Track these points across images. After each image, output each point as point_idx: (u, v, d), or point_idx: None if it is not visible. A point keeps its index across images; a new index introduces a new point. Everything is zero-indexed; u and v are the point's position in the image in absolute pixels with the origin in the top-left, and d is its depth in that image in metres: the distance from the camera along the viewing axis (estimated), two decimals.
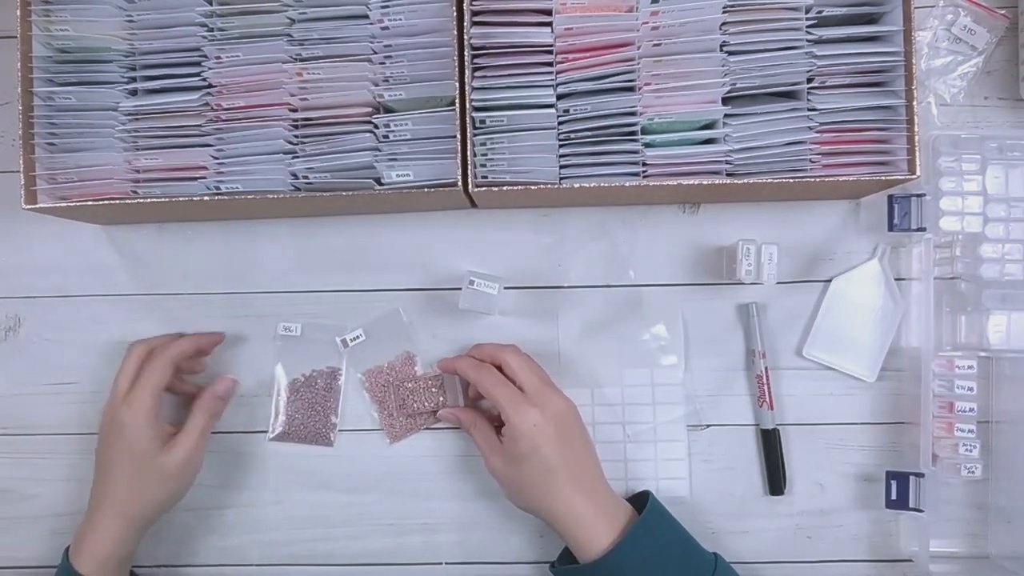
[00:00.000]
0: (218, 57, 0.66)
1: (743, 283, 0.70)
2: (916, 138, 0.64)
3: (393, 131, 0.66)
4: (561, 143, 0.66)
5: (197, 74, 0.66)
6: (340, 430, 0.75)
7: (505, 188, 0.65)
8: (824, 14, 0.64)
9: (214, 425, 0.70)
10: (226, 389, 0.71)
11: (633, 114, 0.65)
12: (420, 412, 0.73)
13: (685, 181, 0.65)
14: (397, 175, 0.66)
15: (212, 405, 0.69)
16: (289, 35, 0.66)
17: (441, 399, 0.74)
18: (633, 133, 0.65)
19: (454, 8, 0.64)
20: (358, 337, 0.71)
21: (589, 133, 0.65)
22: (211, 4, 0.66)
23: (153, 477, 0.65)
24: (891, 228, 0.68)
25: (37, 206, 0.67)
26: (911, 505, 0.69)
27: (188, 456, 0.66)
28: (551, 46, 0.65)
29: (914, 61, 0.64)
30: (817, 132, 0.65)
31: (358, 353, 0.74)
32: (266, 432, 0.75)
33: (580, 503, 0.63)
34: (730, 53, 0.64)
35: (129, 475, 0.64)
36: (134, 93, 0.68)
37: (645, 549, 0.62)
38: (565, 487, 0.63)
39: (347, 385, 0.75)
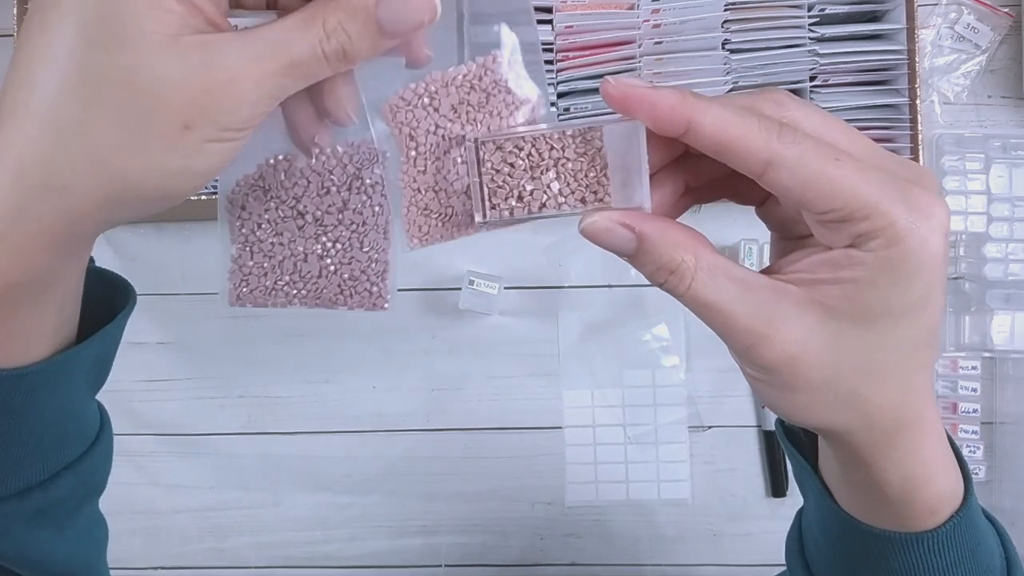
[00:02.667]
0: None
1: None
2: (920, 137, 0.64)
3: None
4: None
5: None
6: (342, 431, 0.75)
7: None
8: (827, 12, 0.64)
9: (320, 74, 0.27)
10: (401, 9, 0.26)
11: None
12: (522, 194, 0.30)
13: None
14: None
15: (344, 21, 0.26)
16: None
17: (590, 183, 0.29)
18: None
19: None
20: None
21: None
22: None
23: (118, 85, 0.24)
24: None
25: None
26: None
27: (222, 86, 0.25)
28: (551, 44, 0.64)
29: (917, 59, 0.64)
30: None
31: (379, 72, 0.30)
32: (269, 434, 0.75)
33: (933, 414, 0.31)
34: (732, 51, 0.64)
35: (62, 56, 0.24)
36: None
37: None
38: (928, 377, 0.30)
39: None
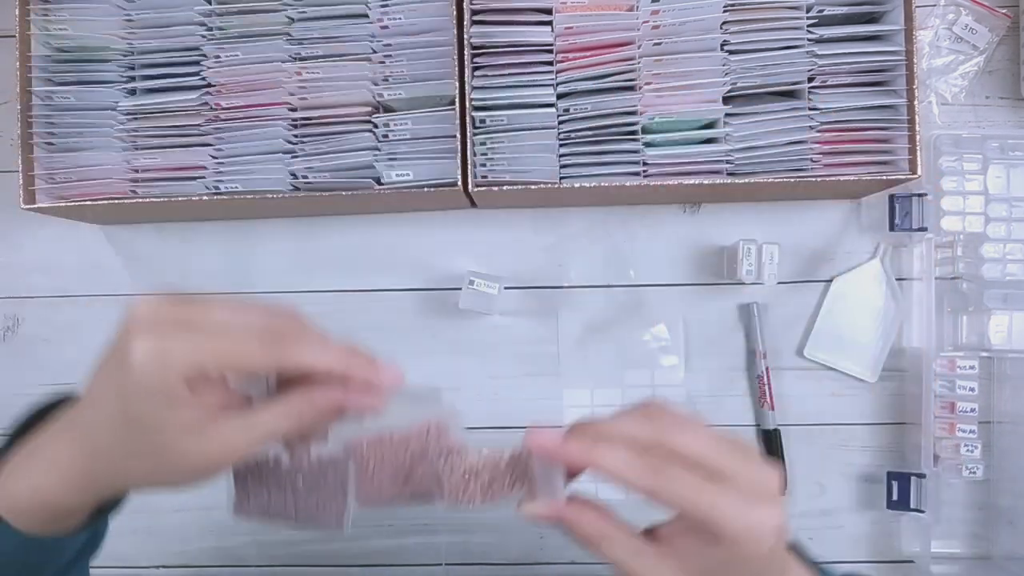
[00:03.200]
0: (217, 56, 0.66)
1: (744, 283, 0.70)
2: (917, 137, 0.64)
3: (393, 130, 0.66)
4: (561, 143, 0.65)
5: (196, 73, 0.66)
6: None
7: (505, 188, 0.64)
8: (825, 13, 0.64)
9: (287, 432, 0.39)
10: (356, 405, 0.40)
11: (633, 113, 0.65)
12: (470, 488, 0.44)
13: (686, 181, 0.65)
14: (397, 175, 0.65)
15: (312, 411, 0.39)
16: (288, 34, 0.66)
17: (514, 487, 0.44)
18: (633, 133, 0.65)
19: (454, 7, 0.64)
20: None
21: (589, 132, 0.65)
22: (210, 3, 0.66)
23: (148, 453, 0.37)
24: (892, 228, 0.68)
25: (36, 206, 0.66)
26: (912, 506, 0.69)
27: (219, 454, 0.37)
28: (551, 45, 0.64)
29: (915, 60, 0.64)
30: (818, 131, 0.65)
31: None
32: None
33: None
34: (731, 52, 0.64)
35: (112, 431, 0.37)
36: (133, 92, 0.67)
37: None
38: None
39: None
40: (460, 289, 0.70)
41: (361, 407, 0.40)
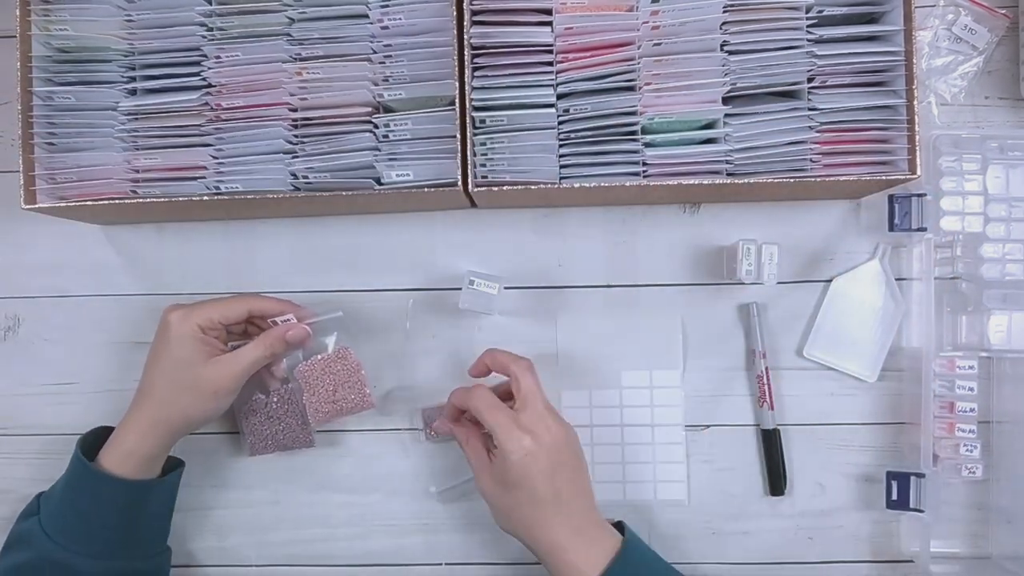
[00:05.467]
0: (218, 57, 0.66)
1: (743, 283, 0.70)
2: (917, 138, 0.64)
3: (393, 131, 0.66)
4: (561, 143, 0.65)
5: (197, 74, 0.66)
6: (343, 430, 0.75)
7: (505, 188, 0.65)
8: (824, 13, 0.64)
9: (267, 362, 0.67)
10: (295, 335, 0.67)
11: (633, 114, 0.65)
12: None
13: (685, 181, 0.65)
14: (397, 175, 0.66)
15: (274, 343, 0.66)
16: (289, 35, 0.66)
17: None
18: (633, 133, 0.65)
19: (454, 8, 0.64)
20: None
21: (589, 133, 0.65)
22: (211, 4, 0.66)
23: (187, 385, 0.64)
24: (892, 228, 0.68)
25: (36, 206, 0.67)
26: (912, 505, 0.69)
27: (227, 377, 0.64)
28: (551, 46, 0.64)
29: (915, 61, 0.64)
30: (817, 132, 0.65)
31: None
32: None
33: (566, 536, 0.61)
34: (730, 53, 0.64)
35: (164, 377, 0.64)
36: (133, 93, 0.67)
37: None
38: (552, 519, 0.61)
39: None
40: (460, 289, 0.70)
41: (299, 336, 0.67)
